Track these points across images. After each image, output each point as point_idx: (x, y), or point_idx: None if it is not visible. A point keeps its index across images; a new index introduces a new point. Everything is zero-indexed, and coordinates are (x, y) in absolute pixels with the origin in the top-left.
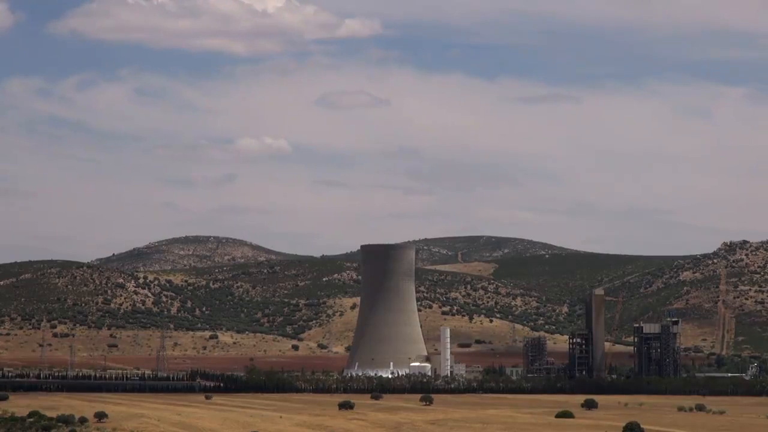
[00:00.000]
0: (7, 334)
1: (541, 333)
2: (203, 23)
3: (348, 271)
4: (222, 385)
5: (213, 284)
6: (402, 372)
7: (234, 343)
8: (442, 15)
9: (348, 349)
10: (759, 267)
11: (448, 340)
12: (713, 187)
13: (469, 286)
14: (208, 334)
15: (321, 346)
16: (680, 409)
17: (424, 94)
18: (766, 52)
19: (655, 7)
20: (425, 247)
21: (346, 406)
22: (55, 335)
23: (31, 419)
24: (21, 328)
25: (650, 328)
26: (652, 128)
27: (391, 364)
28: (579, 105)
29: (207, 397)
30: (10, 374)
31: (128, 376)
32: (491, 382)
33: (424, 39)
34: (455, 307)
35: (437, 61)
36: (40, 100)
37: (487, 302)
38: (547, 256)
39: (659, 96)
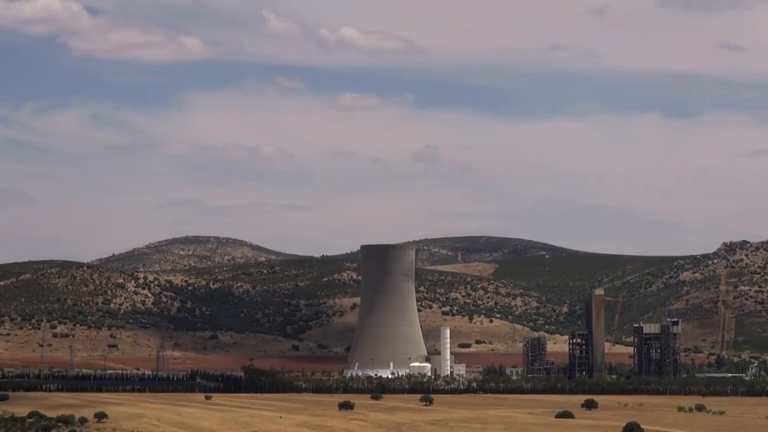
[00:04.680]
0: (7, 334)
1: (541, 333)
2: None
3: (348, 272)
4: (222, 385)
5: (213, 284)
6: (402, 372)
7: (234, 343)
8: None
9: (348, 349)
10: (759, 267)
11: (448, 340)
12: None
13: (469, 287)
14: (208, 334)
15: (321, 347)
16: (680, 409)
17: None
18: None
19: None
20: (425, 248)
21: (346, 406)
22: (55, 335)
23: (31, 419)
24: (21, 328)
25: (650, 328)
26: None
27: (391, 364)
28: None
29: (207, 398)
30: (10, 374)
31: (128, 375)
32: (491, 382)
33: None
34: (455, 308)
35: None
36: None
37: (487, 302)
38: (547, 256)
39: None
